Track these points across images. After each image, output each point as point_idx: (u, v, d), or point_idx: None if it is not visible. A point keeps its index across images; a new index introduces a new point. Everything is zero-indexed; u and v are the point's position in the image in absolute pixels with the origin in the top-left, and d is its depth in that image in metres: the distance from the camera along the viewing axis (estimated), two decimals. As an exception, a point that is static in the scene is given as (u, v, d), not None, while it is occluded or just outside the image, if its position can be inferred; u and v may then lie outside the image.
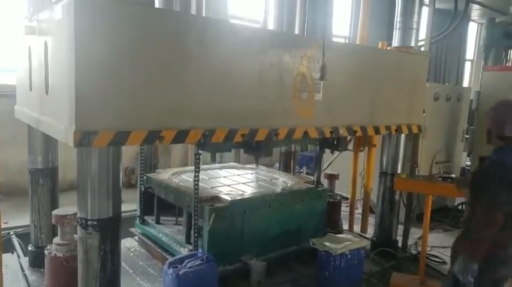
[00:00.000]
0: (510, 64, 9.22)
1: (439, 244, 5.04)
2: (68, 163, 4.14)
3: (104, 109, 2.26)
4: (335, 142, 3.93)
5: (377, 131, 3.91)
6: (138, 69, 2.36)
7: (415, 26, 4.38)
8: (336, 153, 5.28)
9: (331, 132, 3.47)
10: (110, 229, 2.54)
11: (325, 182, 4.78)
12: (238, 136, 2.88)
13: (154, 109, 2.46)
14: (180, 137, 2.58)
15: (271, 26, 3.80)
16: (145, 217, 4.05)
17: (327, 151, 4.31)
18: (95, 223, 2.48)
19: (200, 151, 3.01)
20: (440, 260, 4.63)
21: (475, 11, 13.67)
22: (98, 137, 2.24)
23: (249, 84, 2.89)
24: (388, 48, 4.51)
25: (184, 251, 3.38)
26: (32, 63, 3.02)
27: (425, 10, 4.77)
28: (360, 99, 3.72)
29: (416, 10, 4.39)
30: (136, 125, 2.39)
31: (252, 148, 3.24)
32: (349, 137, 4.72)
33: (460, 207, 6.20)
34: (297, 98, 3.18)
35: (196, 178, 3.14)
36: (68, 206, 3.43)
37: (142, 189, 4.05)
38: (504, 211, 2.40)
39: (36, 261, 3.59)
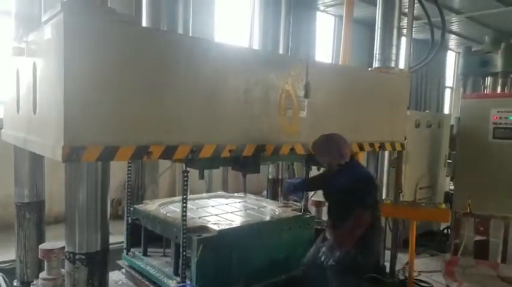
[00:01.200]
0: (487, 91, 9.55)
1: (425, 268, 5.09)
2: (53, 196, 4.14)
3: (92, 125, 2.30)
4: None
5: (361, 147, 4.02)
6: (126, 87, 2.42)
7: (393, 57, 4.59)
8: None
9: None
10: (98, 263, 2.54)
11: (312, 209, 4.82)
12: (226, 152, 2.94)
13: (142, 125, 2.51)
14: (168, 152, 2.62)
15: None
16: (133, 249, 4.01)
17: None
18: (83, 256, 2.48)
19: (188, 169, 3.01)
20: (428, 285, 4.67)
21: (453, 40, 14.26)
22: (86, 152, 2.26)
23: (235, 102, 2.98)
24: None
25: (172, 283, 3.35)
26: (20, 86, 3.05)
27: (404, 40, 5.01)
28: (344, 117, 3.84)
29: (394, 43, 4.61)
30: (124, 141, 2.42)
31: (240, 164, 3.29)
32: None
33: (445, 231, 6.28)
34: (282, 115, 3.29)
35: (185, 197, 3.14)
36: (54, 240, 3.41)
37: (129, 221, 4.03)
38: (370, 210, 3.10)
39: (22, 297, 3.53)
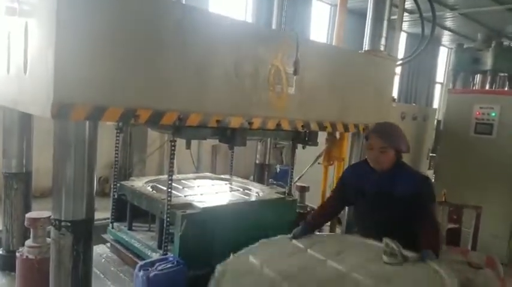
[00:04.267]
0: (476, 88, 9.72)
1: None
2: (40, 171, 4.19)
3: (82, 83, 2.33)
4: (306, 138, 4.05)
5: (346, 128, 4.09)
6: (116, 49, 2.44)
7: (382, 48, 4.67)
8: (307, 166, 5.50)
9: (302, 126, 3.63)
10: (83, 231, 2.62)
11: (296, 194, 4.95)
12: (213, 122, 2.98)
13: (131, 88, 2.53)
14: (155, 117, 2.65)
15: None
16: (118, 224, 4.11)
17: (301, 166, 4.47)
18: (69, 224, 2.56)
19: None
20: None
21: (446, 36, 14.39)
22: (75, 109, 2.30)
23: (224, 73, 3.00)
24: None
25: (156, 256, 3.47)
26: (11, 48, 3.04)
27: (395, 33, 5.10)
28: (331, 97, 3.89)
29: (384, 34, 4.69)
30: (113, 102, 2.46)
31: (227, 137, 3.35)
32: (319, 154, 4.95)
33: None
34: (271, 90, 3.31)
35: (171, 168, 3.19)
36: (40, 212, 3.48)
37: (115, 196, 4.12)
38: None
39: (7, 265, 3.60)
